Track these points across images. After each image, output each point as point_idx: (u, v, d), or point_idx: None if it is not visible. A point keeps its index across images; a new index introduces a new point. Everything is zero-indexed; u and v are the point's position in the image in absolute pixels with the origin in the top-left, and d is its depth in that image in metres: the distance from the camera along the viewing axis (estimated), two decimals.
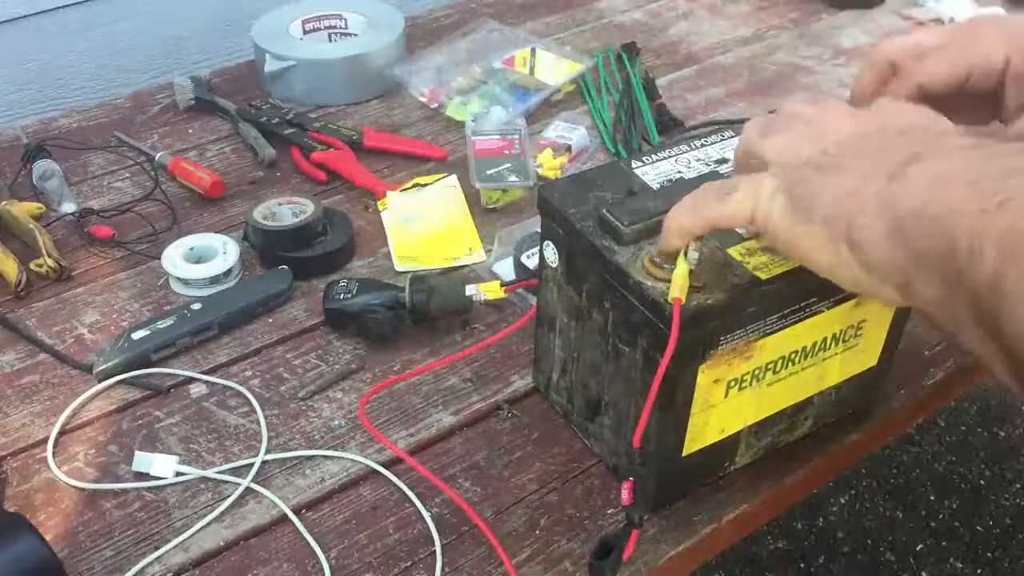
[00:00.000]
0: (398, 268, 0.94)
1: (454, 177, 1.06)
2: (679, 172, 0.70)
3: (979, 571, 1.67)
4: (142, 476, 0.73)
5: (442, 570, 0.67)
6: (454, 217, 1.00)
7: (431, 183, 1.05)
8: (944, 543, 1.71)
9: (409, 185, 1.05)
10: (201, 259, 0.93)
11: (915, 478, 1.83)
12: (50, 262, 0.91)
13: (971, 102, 0.59)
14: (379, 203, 1.02)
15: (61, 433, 0.77)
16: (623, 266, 0.61)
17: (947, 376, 0.84)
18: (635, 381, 0.65)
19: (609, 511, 0.71)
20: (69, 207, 1.00)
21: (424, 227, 0.99)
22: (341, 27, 1.28)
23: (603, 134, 1.14)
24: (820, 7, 1.45)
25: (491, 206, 1.02)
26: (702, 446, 0.68)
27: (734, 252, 0.62)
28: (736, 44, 1.36)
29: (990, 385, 1.98)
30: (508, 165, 1.02)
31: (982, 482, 1.82)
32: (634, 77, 1.23)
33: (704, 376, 0.63)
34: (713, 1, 1.48)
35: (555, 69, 1.23)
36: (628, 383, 0.66)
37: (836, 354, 0.71)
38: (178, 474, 0.74)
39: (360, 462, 0.75)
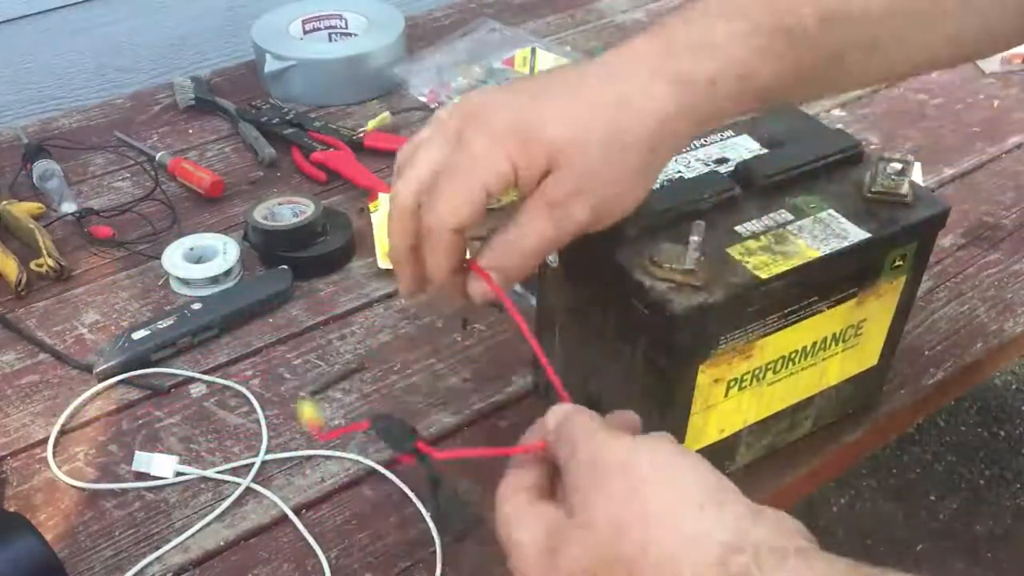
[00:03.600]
0: (380, 266, 0.93)
1: None
2: (679, 172, 0.70)
3: (979, 571, 1.67)
4: (142, 476, 0.73)
5: (442, 570, 0.67)
6: None
7: None
8: (944, 543, 1.71)
9: None
10: (201, 259, 0.93)
11: (915, 478, 1.83)
12: (50, 262, 0.91)
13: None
14: (371, 205, 0.99)
15: (61, 433, 0.77)
16: (623, 266, 0.61)
17: (947, 376, 0.84)
18: (635, 381, 0.65)
19: None
20: (69, 207, 1.00)
21: None
22: (341, 27, 1.28)
23: None
24: None
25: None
26: (702, 446, 0.68)
27: (734, 252, 0.62)
28: None
29: (990, 385, 1.98)
30: None
31: (982, 482, 1.82)
32: None
33: (704, 376, 0.63)
34: None
35: None
36: (628, 383, 0.66)
37: (836, 354, 0.70)
38: (178, 474, 0.74)
39: (360, 462, 0.75)
